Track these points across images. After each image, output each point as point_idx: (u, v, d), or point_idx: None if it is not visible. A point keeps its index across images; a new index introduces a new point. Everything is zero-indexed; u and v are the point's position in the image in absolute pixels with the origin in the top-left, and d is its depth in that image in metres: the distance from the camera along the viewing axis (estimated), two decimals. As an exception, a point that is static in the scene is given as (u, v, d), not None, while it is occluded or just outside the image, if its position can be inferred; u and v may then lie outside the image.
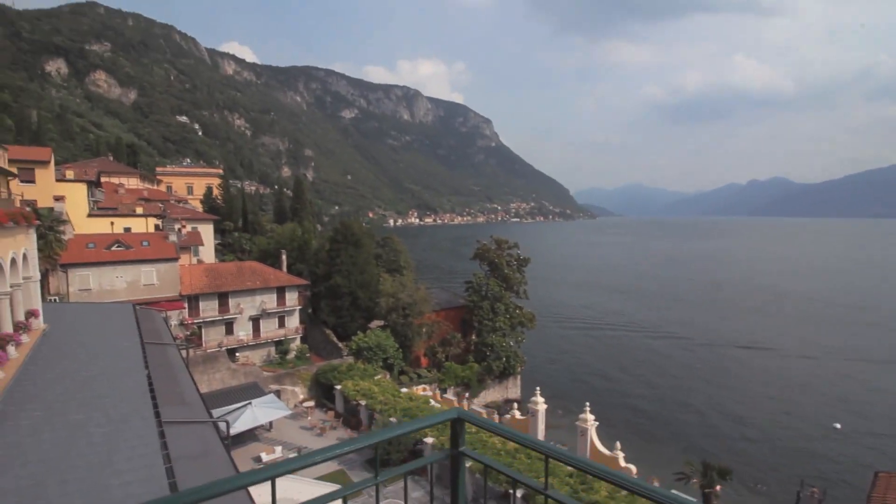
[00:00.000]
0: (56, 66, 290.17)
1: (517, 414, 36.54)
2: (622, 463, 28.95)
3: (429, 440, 27.73)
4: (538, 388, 35.59)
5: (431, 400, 36.30)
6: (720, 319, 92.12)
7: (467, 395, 48.15)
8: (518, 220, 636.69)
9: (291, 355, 45.84)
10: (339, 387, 36.86)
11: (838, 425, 47.23)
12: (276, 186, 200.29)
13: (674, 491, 18.37)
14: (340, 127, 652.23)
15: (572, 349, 73.54)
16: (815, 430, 46.63)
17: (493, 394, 52.44)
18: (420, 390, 42.95)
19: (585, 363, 66.89)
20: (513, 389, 54.21)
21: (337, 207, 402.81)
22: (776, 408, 51.40)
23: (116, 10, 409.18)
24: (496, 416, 38.31)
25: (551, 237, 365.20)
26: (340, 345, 46.62)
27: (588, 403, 32.24)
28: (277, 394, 37.25)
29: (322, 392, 40.21)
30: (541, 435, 34.89)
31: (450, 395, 43.96)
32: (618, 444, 29.77)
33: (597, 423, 31.20)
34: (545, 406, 34.85)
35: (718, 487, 26.05)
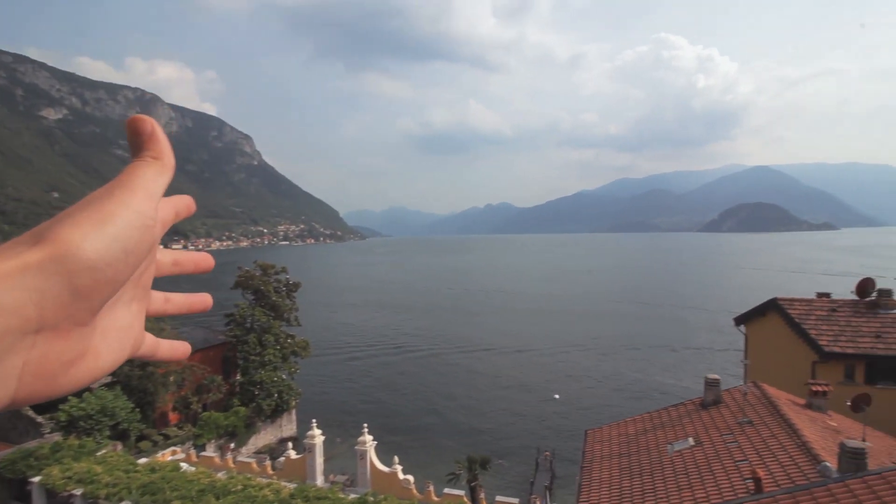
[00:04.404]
0: None
1: (293, 454, 33.49)
2: (401, 475, 29.62)
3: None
4: (314, 421, 33.46)
5: (183, 464, 30.06)
6: (469, 325, 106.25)
7: (232, 445, 41.96)
8: (287, 242, 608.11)
9: (-54, 451, 31.33)
10: (36, 479, 26.86)
11: (557, 396, 60.04)
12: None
13: (446, 490, 19.43)
14: (42, 130, 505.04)
15: (349, 374, 73.08)
16: (543, 405, 58.03)
17: (265, 437, 47.19)
18: (168, 455, 35.27)
19: (361, 386, 67.23)
20: (288, 427, 49.99)
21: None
22: (513, 395, 61.95)
23: None
24: (268, 463, 34.29)
25: (324, 259, 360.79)
26: (39, 419, 34.37)
27: (365, 425, 32.02)
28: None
29: (10, 492, 28.66)
30: (319, 469, 32.82)
31: (209, 452, 37.37)
32: (395, 459, 30.35)
33: (375, 442, 31.21)
34: (323, 438, 33.04)
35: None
